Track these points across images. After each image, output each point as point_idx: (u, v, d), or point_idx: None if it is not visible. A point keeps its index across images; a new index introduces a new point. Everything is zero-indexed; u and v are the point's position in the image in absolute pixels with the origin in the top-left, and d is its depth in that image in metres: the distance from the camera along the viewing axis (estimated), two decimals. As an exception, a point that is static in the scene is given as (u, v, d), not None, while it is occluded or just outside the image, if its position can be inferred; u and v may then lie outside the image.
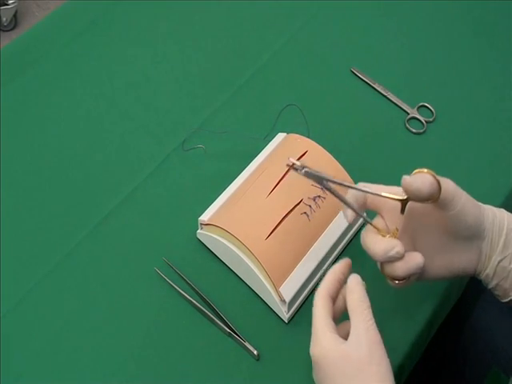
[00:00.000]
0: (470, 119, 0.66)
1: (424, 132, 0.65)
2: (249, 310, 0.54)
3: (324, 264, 0.55)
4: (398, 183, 0.58)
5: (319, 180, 0.45)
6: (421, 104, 0.67)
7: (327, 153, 0.57)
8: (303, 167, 0.45)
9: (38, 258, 0.56)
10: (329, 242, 0.54)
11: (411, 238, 0.46)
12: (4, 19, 1.67)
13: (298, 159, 0.56)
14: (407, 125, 0.66)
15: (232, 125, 0.65)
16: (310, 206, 0.54)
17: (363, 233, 0.46)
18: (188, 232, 0.58)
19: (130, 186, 0.61)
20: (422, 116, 0.66)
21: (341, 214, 0.55)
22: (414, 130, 0.65)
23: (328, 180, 0.45)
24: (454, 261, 0.46)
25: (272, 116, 0.65)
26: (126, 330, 0.53)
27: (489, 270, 0.46)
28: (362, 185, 0.45)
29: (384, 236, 0.45)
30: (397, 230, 0.45)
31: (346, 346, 0.40)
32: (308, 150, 0.57)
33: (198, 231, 0.57)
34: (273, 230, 0.52)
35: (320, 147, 0.57)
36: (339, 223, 0.55)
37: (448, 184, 0.42)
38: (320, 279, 0.54)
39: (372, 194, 0.45)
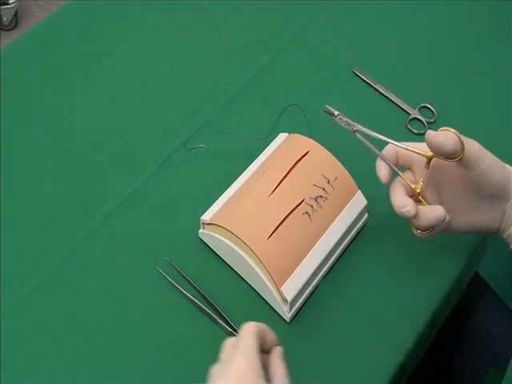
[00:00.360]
0: (471, 120, 0.66)
1: (425, 133, 0.65)
2: (251, 310, 0.54)
3: (326, 264, 0.55)
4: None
5: (351, 129, 0.50)
6: (422, 105, 0.67)
7: (329, 153, 0.57)
8: (338, 114, 0.51)
9: (39, 258, 0.56)
10: (331, 241, 0.54)
11: (437, 191, 0.49)
12: (5, 18, 1.68)
13: (300, 160, 0.56)
14: (408, 125, 0.66)
15: (234, 125, 0.65)
16: (311, 206, 0.54)
17: (393, 182, 0.50)
18: (190, 231, 0.58)
19: (131, 186, 0.61)
20: (424, 117, 0.66)
21: (342, 213, 0.55)
22: (415, 131, 0.65)
23: (361, 130, 0.50)
24: (477, 218, 0.49)
25: (274, 116, 0.65)
26: (127, 330, 0.53)
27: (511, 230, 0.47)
28: (403, 155, 0.50)
29: (410, 186, 0.49)
30: (422, 181, 0.49)
31: None
32: (310, 150, 0.57)
33: (200, 231, 0.57)
34: (274, 230, 0.52)
35: (322, 147, 0.57)
36: (341, 223, 0.55)
37: (473, 145, 0.45)
38: (322, 279, 0.55)
39: (401, 147, 0.48)
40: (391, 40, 0.73)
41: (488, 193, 0.47)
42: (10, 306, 0.53)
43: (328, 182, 0.55)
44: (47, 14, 1.77)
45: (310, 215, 0.54)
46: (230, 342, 0.41)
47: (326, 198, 0.55)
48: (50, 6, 1.79)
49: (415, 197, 0.50)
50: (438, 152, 0.45)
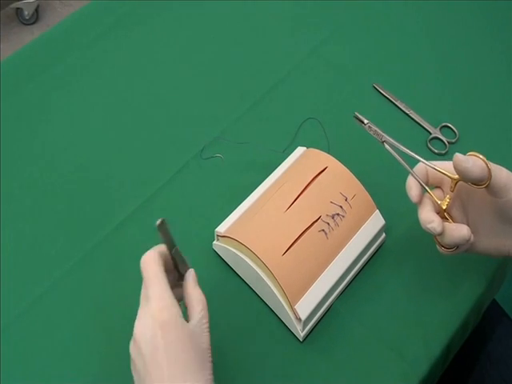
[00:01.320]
0: (494, 142, 0.65)
1: (446, 153, 0.64)
2: (263, 326, 0.53)
3: (341, 283, 0.54)
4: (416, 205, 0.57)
5: (380, 139, 0.51)
6: (444, 124, 0.66)
7: (347, 170, 0.56)
8: (367, 122, 0.51)
9: (53, 261, 0.56)
10: (346, 261, 0.53)
11: (463, 211, 0.50)
12: (26, 13, 1.69)
13: (317, 175, 0.55)
14: (429, 145, 0.65)
15: (251, 135, 0.64)
16: (328, 224, 0.53)
17: (420, 204, 0.50)
18: (204, 242, 0.57)
19: (147, 192, 0.61)
20: (445, 136, 0.65)
21: (359, 233, 0.54)
22: (435, 151, 0.64)
23: (388, 141, 0.50)
24: (504, 243, 0.48)
25: (292, 129, 0.64)
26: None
27: None
28: (433, 175, 0.49)
29: (436, 202, 0.49)
30: (449, 198, 0.49)
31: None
32: (328, 166, 0.56)
33: (214, 242, 0.57)
34: (290, 246, 0.51)
35: (340, 164, 0.56)
36: (358, 243, 0.54)
37: (501, 171, 0.44)
38: (336, 298, 0.54)
39: (429, 166, 0.48)
40: (414, 56, 0.72)
41: None
42: (20, 310, 0.53)
43: (346, 199, 0.55)
44: (68, 9, 1.79)
45: (326, 233, 0.53)
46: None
47: (343, 216, 0.54)
48: (71, 2, 1.80)
49: (441, 213, 0.49)
50: (464, 177, 0.45)
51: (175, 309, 0.42)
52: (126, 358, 0.51)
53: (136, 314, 0.53)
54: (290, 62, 0.71)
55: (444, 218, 0.49)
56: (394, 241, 0.58)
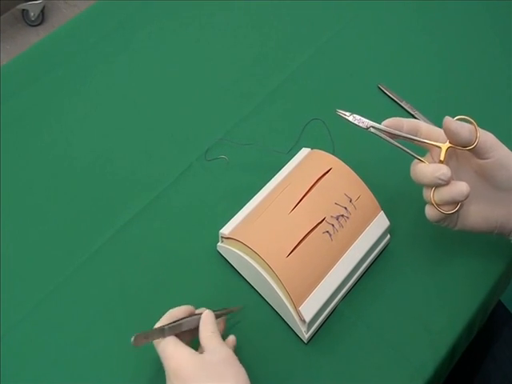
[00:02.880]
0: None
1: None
2: (267, 327, 0.53)
3: (345, 285, 0.54)
4: (423, 206, 0.57)
5: (366, 125, 0.52)
6: (449, 124, 0.66)
7: (352, 171, 0.56)
8: (350, 114, 0.52)
9: (57, 264, 0.56)
10: (351, 262, 0.53)
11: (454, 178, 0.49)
12: (32, 14, 1.70)
13: (322, 177, 0.55)
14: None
15: (255, 137, 0.64)
16: (332, 225, 0.53)
17: (413, 163, 0.50)
18: (208, 243, 0.57)
19: (152, 194, 0.61)
20: (450, 137, 0.65)
21: (364, 234, 0.54)
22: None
23: (374, 127, 0.51)
24: (492, 211, 0.49)
25: (296, 129, 0.64)
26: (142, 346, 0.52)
27: None
28: (409, 122, 0.50)
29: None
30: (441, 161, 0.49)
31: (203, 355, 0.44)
32: (332, 167, 0.56)
33: (219, 244, 0.57)
34: (294, 248, 0.51)
35: (344, 165, 0.56)
36: (362, 244, 0.54)
37: (487, 134, 0.46)
38: (341, 300, 0.54)
39: (418, 141, 0.50)
40: (419, 57, 0.72)
41: (504, 186, 0.47)
42: (23, 313, 0.53)
43: (350, 201, 0.54)
44: (74, 10, 1.79)
45: (330, 234, 0.53)
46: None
47: (347, 218, 0.54)
48: (76, 3, 1.81)
49: None
50: (454, 139, 0.46)
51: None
52: (129, 361, 0.51)
53: (141, 316, 0.53)
54: (294, 63, 0.71)
55: None
56: (399, 242, 0.58)
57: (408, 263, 0.57)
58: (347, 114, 0.52)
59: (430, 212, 0.50)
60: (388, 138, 0.51)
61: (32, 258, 0.57)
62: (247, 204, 0.56)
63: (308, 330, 0.51)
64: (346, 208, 0.54)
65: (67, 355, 0.51)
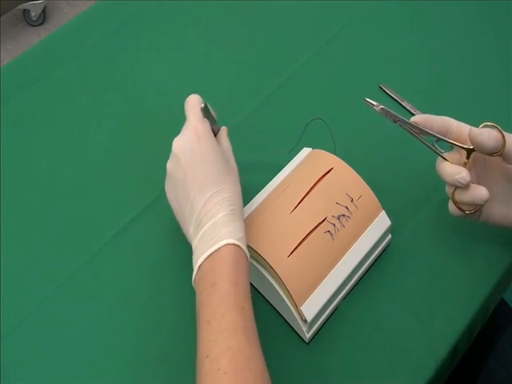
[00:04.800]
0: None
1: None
2: (268, 327, 0.53)
3: (347, 285, 0.54)
4: (424, 205, 0.57)
5: (394, 119, 0.52)
6: (450, 125, 0.65)
7: (353, 171, 0.56)
8: (379, 104, 0.52)
9: (57, 265, 0.56)
10: (352, 262, 0.53)
11: (477, 179, 0.50)
12: (33, 14, 1.70)
13: (323, 176, 0.55)
14: (436, 145, 0.64)
15: (257, 136, 0.64)
16: (334, 225, 0.53)
17: (438, 159, 0.51)
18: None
19: (152, 195, 0.61)
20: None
21: (365, 234, 0.54)
22: (442, 151, 0.64)
23: (402, 121, 0.51)
24: None
25: (298, 129, 0.64)
26: (142, 343, 0.52)
27: None
28: (441, 121, 0.50)
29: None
30: (465, 164, 0.50)
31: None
32: (333, 167, 0.56)
33: (220, 244, 0.57)
34: (295, 248, 0.51)
35: (346, 164, 0.56)
36: (364, 244, 0.54)
37: None
38: (342, 300, 0.54)
39: (443, 140, 0.50)
40: (420, 57, 0.72)
41: None
42: (23, 314, 0.54)
43: (351, 200, 0.54)
44: (75, 10, 1.79)
45: (332, 234, 0.53)
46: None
47: (348, 217, 0.54)
48: (77, 3, 1.81)
49: None
50: (480, 150, 0.46)
51: (208, 126, 0.50)
52: (129, 361, 0.51)
53: (142, 318, 0.53)
54: (295, 63, 0.71)
55: None
56: (400, 242, 0.58)
57: (409, 263, 0.57)
58: (375, 104, 0.52)
59: (451, 208, 0.51)
60: (415, 134, 0.51)
61: (32, 260, 0.57)
62: (248, 204, 0.56)
63: (309, 329, 0.51)
64: (347, 208, 0.54)
65: (67, 356, 0.52)
